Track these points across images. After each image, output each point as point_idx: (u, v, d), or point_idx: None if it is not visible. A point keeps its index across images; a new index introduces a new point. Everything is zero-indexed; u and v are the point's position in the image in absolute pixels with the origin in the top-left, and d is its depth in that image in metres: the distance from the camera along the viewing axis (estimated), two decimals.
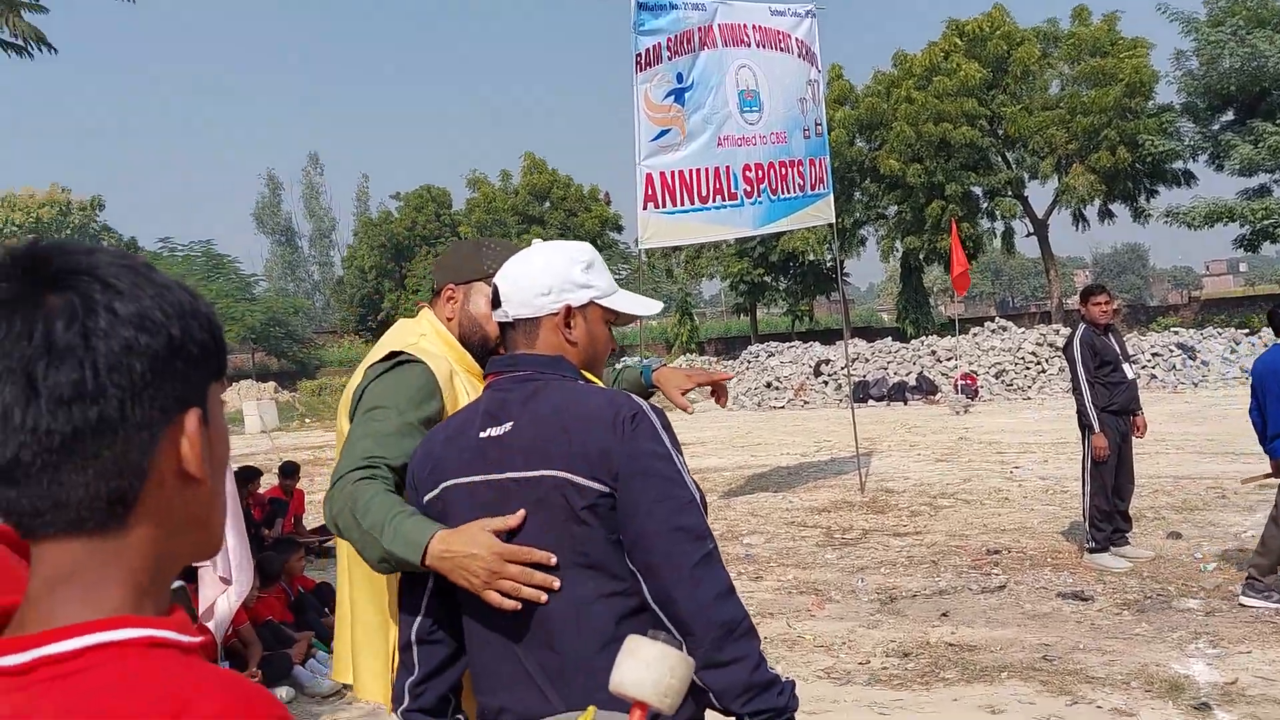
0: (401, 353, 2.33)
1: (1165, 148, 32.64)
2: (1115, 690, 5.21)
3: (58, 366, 0.83)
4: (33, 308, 0.84)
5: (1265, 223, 30.60)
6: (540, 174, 47.98)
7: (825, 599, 7.24)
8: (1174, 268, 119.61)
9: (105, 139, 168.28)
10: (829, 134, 12.53)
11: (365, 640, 2.38)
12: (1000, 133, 36.67)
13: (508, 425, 1.92)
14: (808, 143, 11.79)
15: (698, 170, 10.88)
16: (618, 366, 2.89)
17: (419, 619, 2.01)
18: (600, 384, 2.05)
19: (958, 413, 19.85)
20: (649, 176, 10.66)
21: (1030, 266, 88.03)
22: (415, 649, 2.01)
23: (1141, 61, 33.52)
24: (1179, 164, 34.58)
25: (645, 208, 10.70)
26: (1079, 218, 37.15)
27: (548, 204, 47.91)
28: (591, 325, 2.05)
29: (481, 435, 1.94)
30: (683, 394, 2.64)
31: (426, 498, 1.99)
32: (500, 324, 2.06)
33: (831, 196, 12.22)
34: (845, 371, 22.78)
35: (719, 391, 2.78)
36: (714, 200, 11.01)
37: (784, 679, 1.84)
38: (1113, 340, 7.81)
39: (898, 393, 23.10)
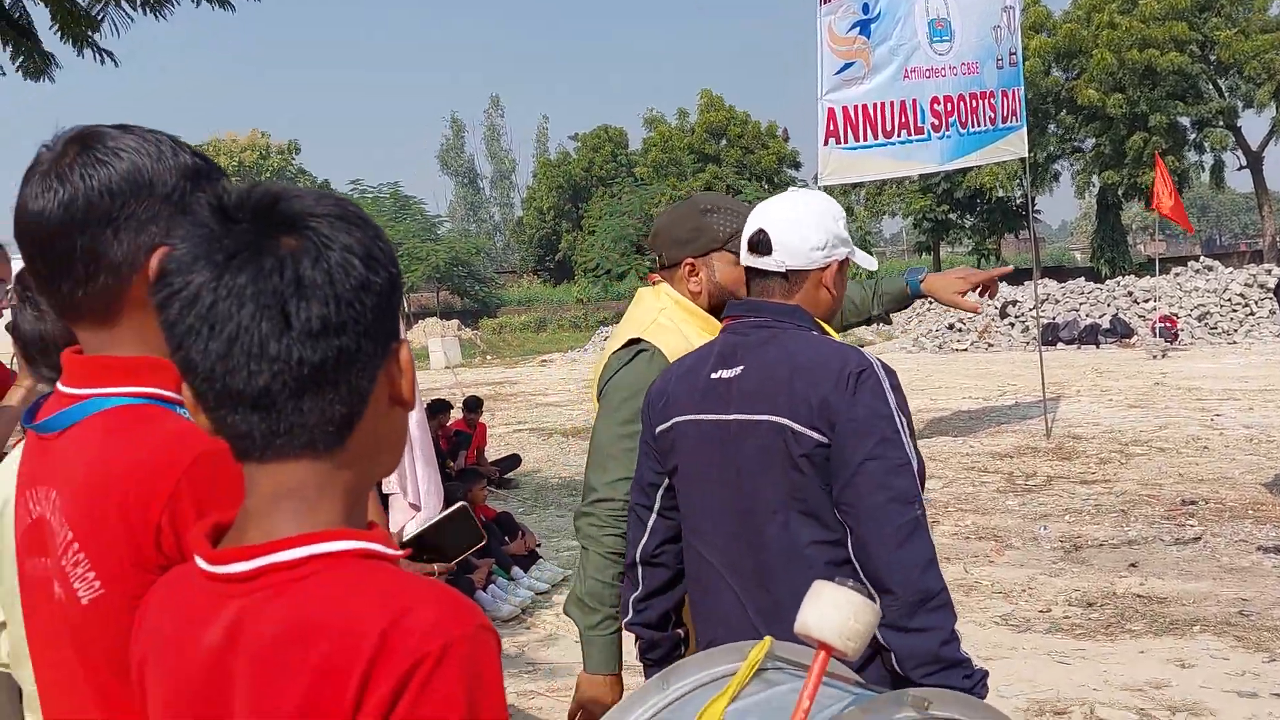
0: (640, 340, 2.37)
1: None
2: None
3: (308, 302, 0.90)
4: (275, 248, 0.91)
5: None
6: (717, 111, 47.61)
7: (1005, 545, 7.09)
8: None
9: (300, 87, 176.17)
10: (1023, 64, 11.96)
11: None
12: (1212, 58, 34.23)
13: (738, 369, 1.98)
14: (1000, 73, 11.30)
15: (882, 104, 10.60)
16: (874, 281, 2.88)
17: (644, 541, 2.14)
18: (836, 336, 2.09)
19: (1155, 357, 18.87)
20: (831, 111, 10.47)
21: (1241, 202, 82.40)
22: (640, 569, 2.15)
23: None
24: None
25: (826, 143, 10.52)
26: None
27: (724, 142, 47.56)
28: (843, 279, 2.11)
29: (712, 376, 2.02)
30: (962, 296, 2.65)
31: (659, 429, 2.09)
32: (750, 268, 2.07)
33: (1025, 130, 11.70)
34: (1033, 313, 21.94)
35: (991, 287, 2.77)
36: (899, 135, 10.72)
37: (977, 666, 1.85)
38: None
39: (1089, 335, 22.10)
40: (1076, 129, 36.62)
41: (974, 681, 1.82)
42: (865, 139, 10.72)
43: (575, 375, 23.24)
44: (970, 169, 34.56)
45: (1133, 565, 6.48)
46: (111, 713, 1.24)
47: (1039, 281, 20.56)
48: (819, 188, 11.31)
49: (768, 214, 2.05)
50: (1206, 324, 21.44)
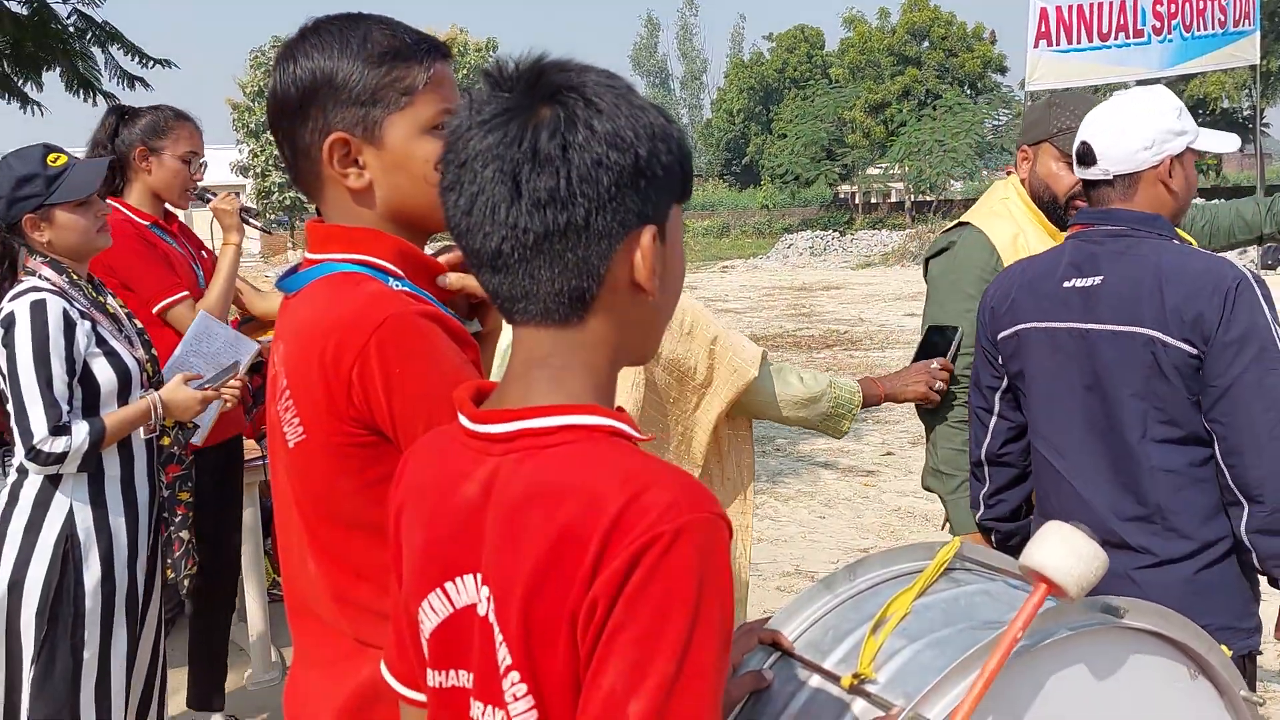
0: (967, 224, 2.57)
1: None
2: None
3: (539, 173, 0.93)
4: (527, 117, 0.95)
5: None
6: (921, 11, 45.56)
7: None
8: None
9: None
10: None
11: None
12: None
13: (1097, 279, 2.00)
14: None
15: (1100, 4, 9.98)
16: (1272, 199, 2.87)
17: (987, 441, 2.24)
18: (1192, 241, 2.12)
19: None
20: (1043, 11, 9.95)
21: None
22: (986, 467, 2.26)
23: None
24: None
25: (1036, 45, 10.03)
26: None
27: (926, 44, 45.61)
28: (1187, 170, 2.07)
29: (1065, 284, 2.04)
30: None
31: (1001, 335, 2.15)
32: (1088, 181, 2.09)
33: (1258, 35, 10.83)
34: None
35: None
36: (1117, 37, 10.09)
37: None
38: None
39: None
40: None
41: None
42: (1079, 41, 10.16)
43: (756, 282, 23.16)
44: (1194, 76, 32.18)
45: None
46: (318, 546, 1.39)
47: (1260, 201, 19.14)
48: (1026, 93, 10.81)
49: (1089, 124, 2.07)
50: None
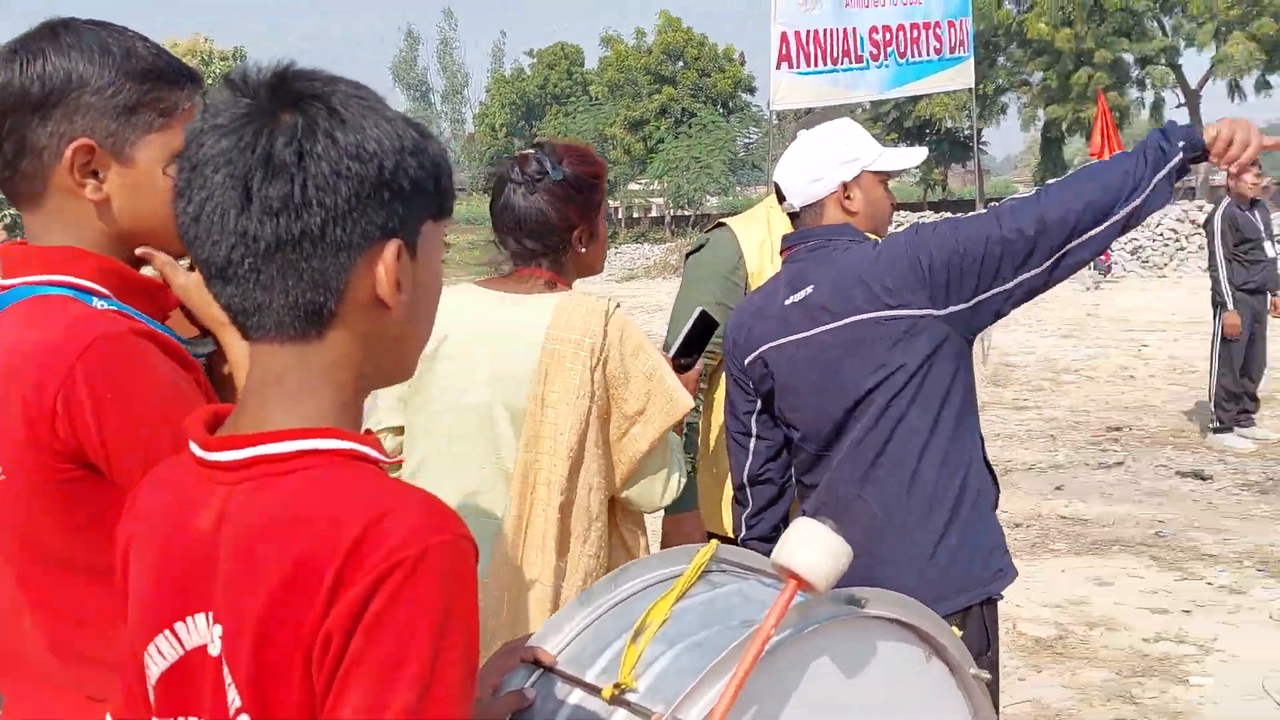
0: (724, 224, 2.81)
1: None
2: (1228, 568, 5.23)
3: (271, 179, 0.89)
4: (265, 122, 0.91)
5: None
6: (675, 32, 46.92)
7: None
8: None
9: None
10: None
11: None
12: None
13: (808, 289, 2.19)
14: (947, 3, 11.31)
15: (830, 30, 10.61)
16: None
17: (748, 464, 2.35)
18: None
19: (1088, 288, 19.28)
20: (784, 35, 10.41)
21: None
22: (748, 489, 2.37)
23: None
24: None
25: (779, 67, 10.50)
26: (1235, 89, 34.87)
27: (681, 63, 47.00)
28: (867, 191, 2.26)
29: (786, 303, 2.22)
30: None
31: (747, 360, 2.29)
32: (791, 214, 2.30)
33: (972, 61, 11.74)
34: None
35: None
36: (842, 62, 10.76)
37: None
38: (1258, 217, 7.51)
39: None
40: (1025, 62, 36.72)
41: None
42: (814, 65, 10.71)
43: None
44: (920, 99, 34.61)
45: (1059, 488, 6.75)
46: (32, 596, 1.28)
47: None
48: (772, 112, 11.32)
49: (781, 165, 2.30)
50: (1139, 258, 21.91)
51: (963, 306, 2.08)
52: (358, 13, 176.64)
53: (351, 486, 0.91)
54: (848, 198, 2.23)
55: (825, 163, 2.23)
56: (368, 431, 1.00)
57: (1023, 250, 2.01)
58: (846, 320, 2.13)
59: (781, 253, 2.33)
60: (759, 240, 2.74)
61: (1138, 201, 1.99)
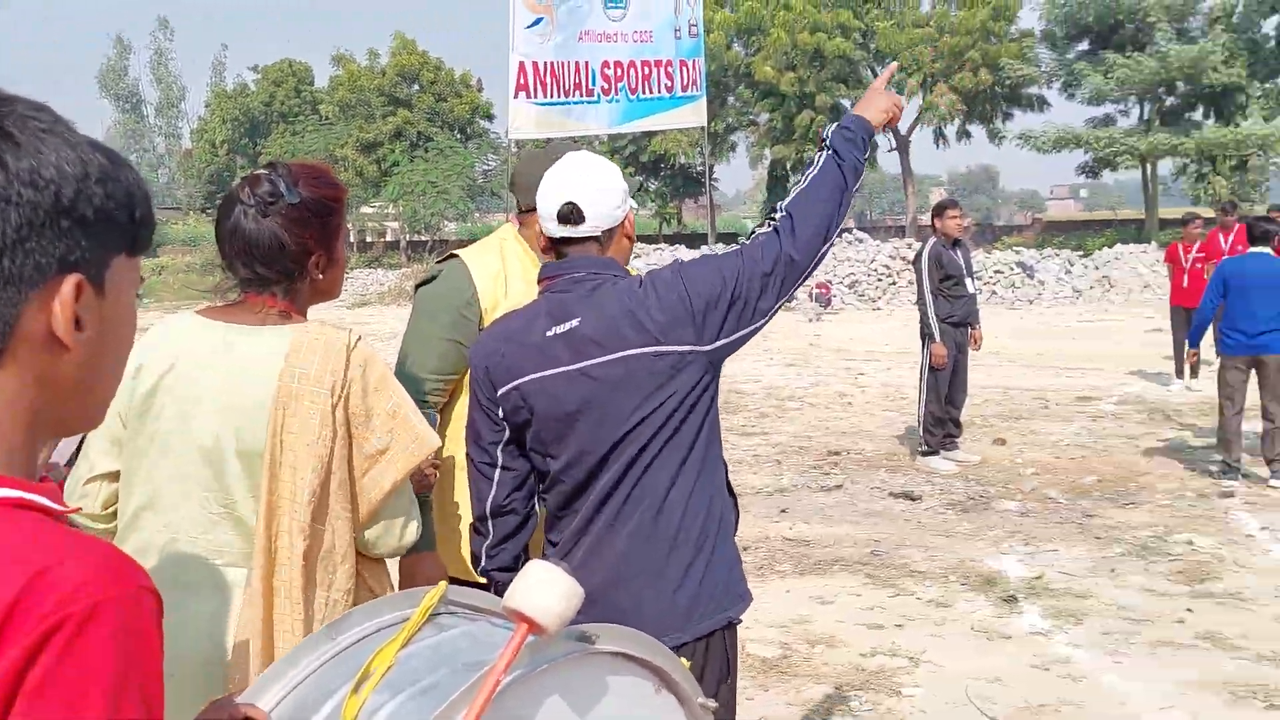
0: (457, 255, 2.71)
1: (1023, 73, 33.65)
2: (935, 583, 5.61)
3: None
4: None
5: (1108, 151, 31.98)
6: (410, 55, 46.35)
7: None
8: (1021, 190, 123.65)
9: None
10: (705, 36, 12.50)
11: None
12: (872, 46, 37.07)
13: (573, 322, 2.16)
14: (679, 43, 11.76)
15: (564, 63, 10.79)
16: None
17: (492, 495, 2.29)
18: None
19: (810, 320, 20.43)
20: (521, 65, 10.52)
21: (889, 181, 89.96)
22: (490, 520, 2.31)
23: None
24: (1034, 89, 35.70)
25: (516, 96, 10.58)
26: (939, 136, 38.08)
27: (416, 87, 46.44)
28: (633, 223, 2.32)
29: (548, 334, 2.17)
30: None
31: (501, 390, 2.22)
32: (566, 238, 2.20)
33: (704, 100, 12.27)
34: None
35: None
36: (574, 95, 10.97)
37: None
38: (959, 255, 8.17)
39: None
40: (753, 103, 38.62)
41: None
42: (550, 96, 10.88)
43: None
44: (655, 134, 35.73)
45: (783, 511, 7.05)
46: None
47: (714, 246, 21.63)
48: (510, 140, 11.38)
49: (570, 185, 2.20)
50: (856, 291, 23.43)
51: (726, 341, 2.16)
52: (60, 15, 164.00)
53: (14, 538, 0.82)
54: (628, 225, 2.28)
55: (622, 189, 2.24)
56: (44, 479, 0.91)
57: (777, 282, 2.16)
58: (616, 355, 2.13)
59: (541, 281, 2.28)
60: (493, 272, 2.67)
61: (845, 209, 2.27)
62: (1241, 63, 29.88)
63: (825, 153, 2.28)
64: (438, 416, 2.60)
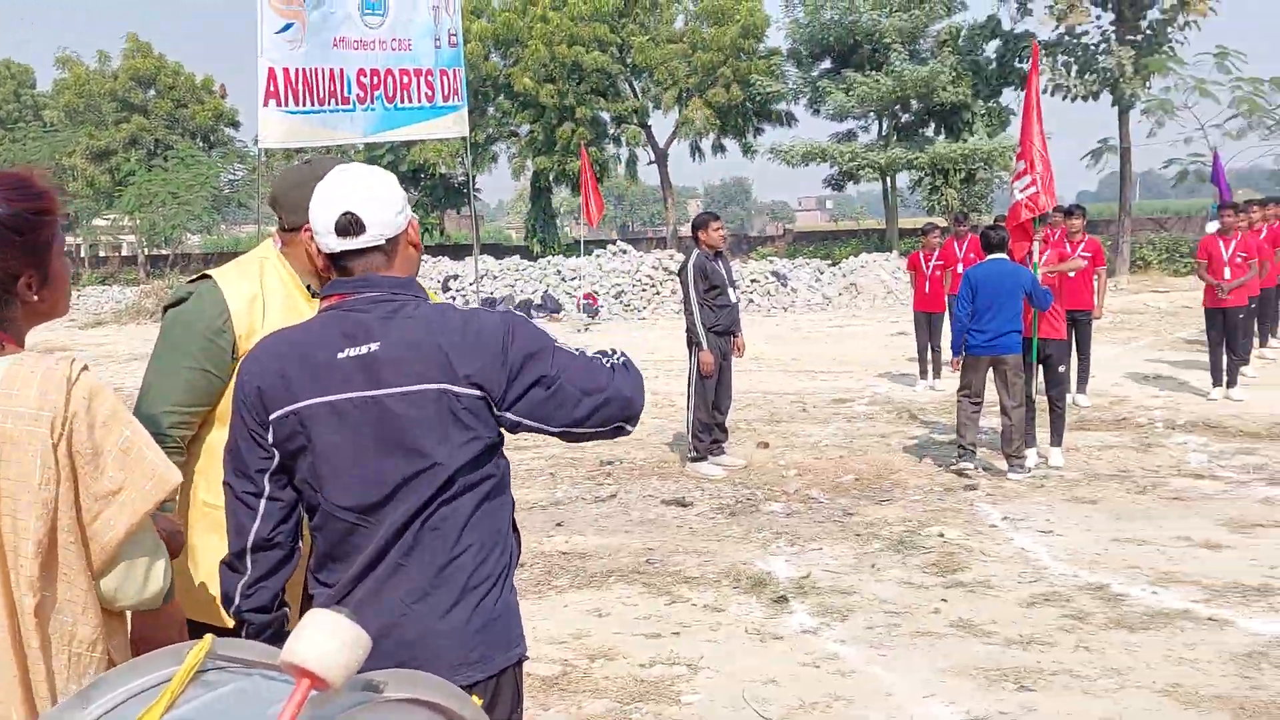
0: (209, 276, 2.51)
1: (772, 89, 35.11)
2: (708, 588, 5.71)
3: None
4: None
5: (851, 165, 33.82)
6: (145, 58, 43.64)
7: None
8: (773, 202, 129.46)
9: None
10: (464, 46, 12.36)
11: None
12: (629, 61, 37.75)
13: (372, 345, 2.03)
14: (439, 52, 11.57)
15: (317, 70, 10.42)
16: None
17: (256, 527, 2.11)
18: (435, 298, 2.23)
19: (579, 330, 20.59)
20: (271, 71, 10.07)
21: (650, 193, 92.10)
22: (249, 556, 2.12)
23: (756, 5, 35.69)
24: (783, 105, 37.34)
25: (266, 104, 10.11)
26: (696, 149, 39.22)
27: (153, 92, 43.78)
28: (417, 231, 2.22)
29: (341, 355, 2.04)
30: None
31: (276, 413, 2.05)
32: (349, 250, 2.07)
33: (465, 110, 12.11)
34: (474, 287, 22.88)
35: None
36: (329, 103, 10.62)
37: None
38: (722, 266, 8.40)
39: (523, 310, 23.53)
40: (513, 114, 38.57)
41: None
42: (302, 104, 10.48)
43: None
44: (414, 144, 35.11)
45: (559, 524, 7.03)
46: None
47: (479, 257, 21.46)
48: (260, 149, 10.88)
49: (345, 195, 2.06)
50: (622, 301, 23.77)
51: (516, 418, 2.10)
52: None
53: None
54: (412, 233, 2.16)
55: (400, 195, 2.12)
56: None
57: (589, 408, 2.12)
58: (416, 387, 2.02)
59: (329, 297, 2.12)
60: (249, 296, 2.48)
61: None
62: (967, 83, 32.26)
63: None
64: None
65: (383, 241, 2.08)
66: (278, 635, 2.13)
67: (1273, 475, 7.65)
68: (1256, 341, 12.60)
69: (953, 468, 8.01)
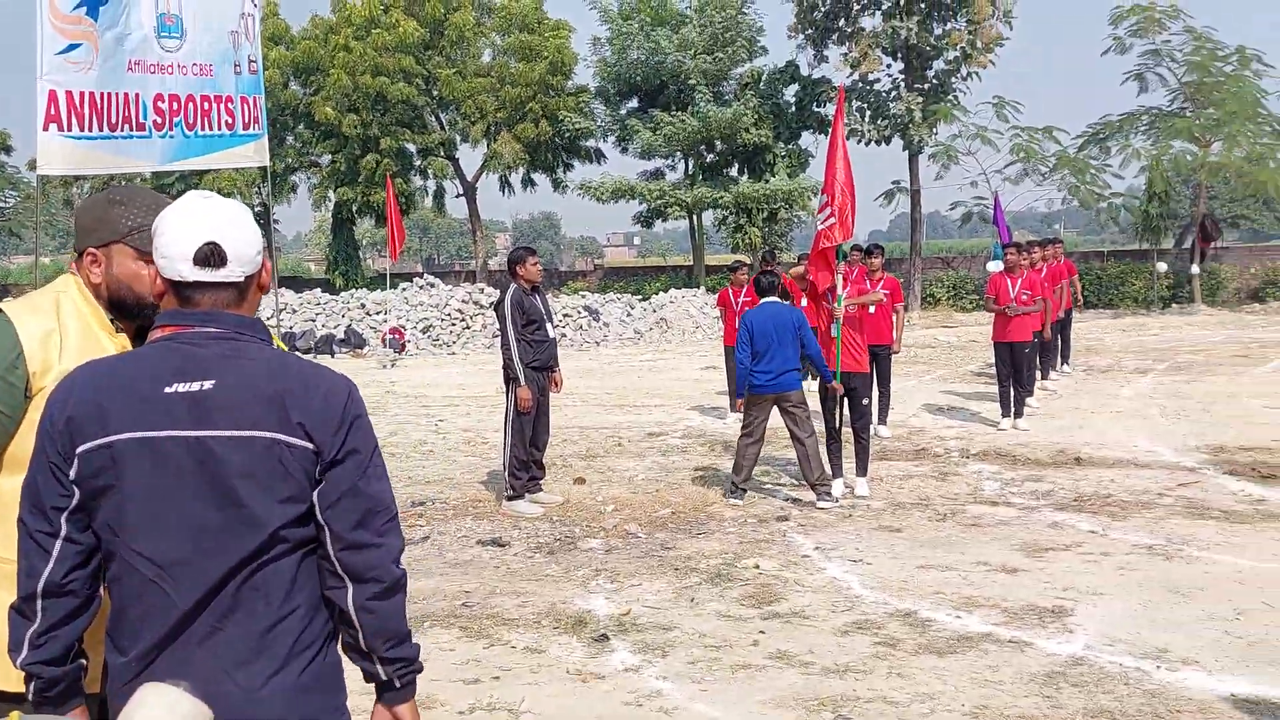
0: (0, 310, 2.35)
1: (581, 126, 35.46)
2: (528, 630, 5.59)
3: None
4: None
5: (659, 202, 34.47)
6: None
7: None
8: (582, 237, 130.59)
9: None
10: (263, 73, 11.92)
11: None
12: (435, 93, 37.38)
13: (206, 383, 1.91)
14: (239, 79, 11.10)
15: (109, 94, 9.80)
16: None
17: (49, 569, 1.93)
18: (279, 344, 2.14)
19: (385, 366, 20.07)
20: (52, 94, 9.40)
21: (457, 226, 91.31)
22: (40, 601, 1.94)
23: (564, 42, 36.00)
24: (592, 142, 37.76)
25: (47, 128, 9.43)
26: (505, 183, 39.12)
27: None
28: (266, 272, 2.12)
29: (168, 390, 1.91)
30: None
31: (84, 448, 1.90)
32: (201, 283, 1.98)
33: (266, 139, 11.65)
34: (273, 321, 22.02)
35: None
36: (122, 129, 10.01)
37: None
38: (539, 301, 8.33)
39: (325, 345, 22.79)
40: (314, 144, 37.56)
41: (418, 650, 2.13)
42: (90, 129, 9.83)
43: None
44: (207, 172, 33.65)
45: None
46: None
47: (277, 291, 20.68)
48: (38, 176, 10.14)
49: (210, 226, 1.96)
50: (430, 335, 23.36)
51: (316, 489, 1.99)
52: None
53: None
54: (264, 274, 2.07)
55: (258, 230, 2.03)
56: None
57: (356, 514, 1.99)
58: (250, 433, 1.90)
59: (161, 327, 1.99)
60: (44, 332, 2.31)
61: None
62: (768, 125, 33.43)
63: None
64: None
65: (240, 278, 2.00)
66: (71, 692, 1.99)
67: (1059, 501, 8.12)
68: (1039, 374, 13.41)
69: (729, 499, 8.29)
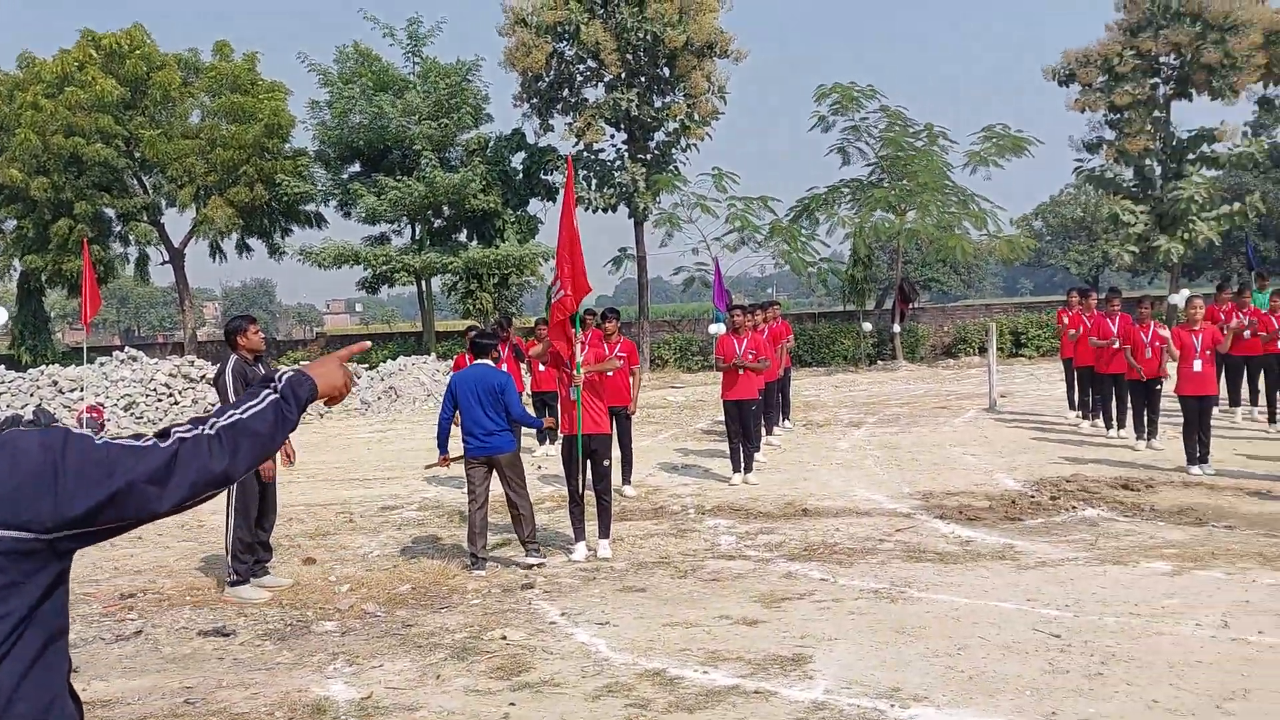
0: None
1: (300, 190, 34.28)
2: None
3: None
4: None
5: (385, 268, 33.72)
6: None
7: None
8: (299, 304, 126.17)
9: None
10: None
11: None
12: (138, 155, 35.18)
13: None
14: None
15: None
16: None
17: None
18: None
19: None
20: None
21: (159, 296, 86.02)
22: None
23: (280, 104, 34.78)
24: (312, 206, 36.57)
25: None
26: (217, 249, 37.17)
27: None
28: None
29: None
30: None
31: None
32: None
33: None
34: None
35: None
36: None
37: None
38: (262, 369, 7.86)
39: (10, 426, 20.68)
40: None
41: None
42: None
43: None
44: None
45: (73, 670, 6.06)
46: None
47: None
48: None
49: None
50: (133, 413, 21.69)
51: (88, 529, 1.82)
52: None
53: None
54: None
55: None
56: None
57: (184, 488, 1.90)
58: None
59: None
60: None
61: (262, 458, 2.05)
62: (497, 192, 33.51)
63: (273, 396, 2.06)
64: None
65: None
66: None
67: (790, 551, 8.42)
68: (764, 431, 13.98)
69: (472, 571, 8.12)
